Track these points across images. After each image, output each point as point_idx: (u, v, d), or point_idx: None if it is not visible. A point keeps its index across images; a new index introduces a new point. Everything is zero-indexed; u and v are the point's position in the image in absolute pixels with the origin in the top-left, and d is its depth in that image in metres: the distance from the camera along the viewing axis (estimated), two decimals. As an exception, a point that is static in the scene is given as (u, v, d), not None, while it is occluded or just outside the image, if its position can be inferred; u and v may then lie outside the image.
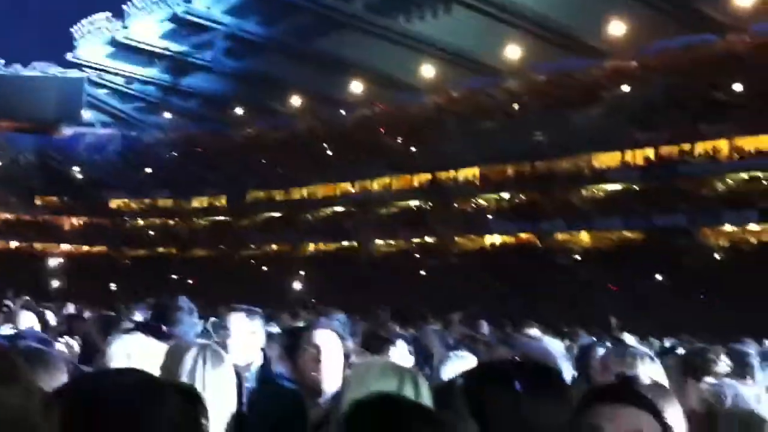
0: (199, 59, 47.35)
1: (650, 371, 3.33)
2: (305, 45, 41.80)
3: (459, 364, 3.98)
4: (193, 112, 52.37)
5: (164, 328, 4.96)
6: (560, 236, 35.89)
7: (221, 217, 50.41)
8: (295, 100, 48.30)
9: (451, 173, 41.01)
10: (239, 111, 50.60)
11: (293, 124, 48.96)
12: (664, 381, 3.27)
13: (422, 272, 35.29)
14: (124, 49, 48.06)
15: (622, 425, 1.71)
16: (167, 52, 47.50)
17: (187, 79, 49.53)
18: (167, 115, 53.48)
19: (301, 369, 3.56)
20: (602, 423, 1.73)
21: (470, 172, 40.26)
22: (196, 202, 52.39)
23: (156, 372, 2.86)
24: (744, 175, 31.74)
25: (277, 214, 47.52)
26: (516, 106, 40.39)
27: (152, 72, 49.68)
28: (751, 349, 5.25)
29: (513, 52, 40.09)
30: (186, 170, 49.28)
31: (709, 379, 3.08)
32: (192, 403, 1.82)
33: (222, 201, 50.95)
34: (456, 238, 38.74)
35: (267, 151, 47.69)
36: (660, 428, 1.73)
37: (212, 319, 5.40)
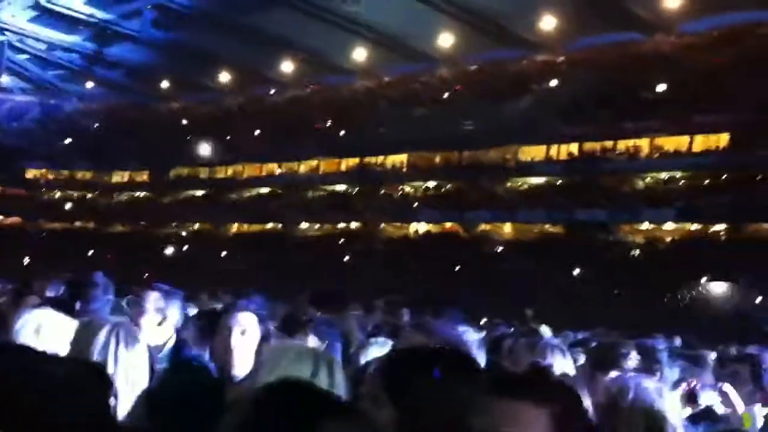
0: (126, 28, 46.01)
1: (560, 363, 3.44)
2: (236, 19, 41.01)
3: (378, 350, 4.00)
4: (117, 83, 50.99)
5: (78, 304, 4.86)
6: (484, 226, 36.25)
7: (142, 193, 49.20)
8: (224, 76, 47.46)
9: (380, 158, 40.90)
10: (166, 84, 49.45)
11: (221, 100, 48.15)
12: (572, 372, 3.41)
13: (346, 257, 35.16)
14: (47, 14, 46.28)
15: (509, 417, 1.73)
16: (92, 19, 45.96)
17: (113, 48, 48.10)
18: (90, 84, 51.91)
19: (215, 350, 3.53)
20: (491, 415, 1.76)
21: (399, 159, 40.25)
22: (117, 176, 51.01)
23: (66, 348, 2.87)
24: (663, 174, 32.58)
25: (200, 192, 46.65)
26: (447, 95, 40.59)
27: (76, 39, 48.05)
28: (661, 344, 5.37)
29: (446, 40, 40.28)
30: (108, 142, 47.89)
31: (615, 373, 3.11)
32: (100, 382, 1.81)
33: (144, 176, 49.73)
34: (382, 225, 38.75)
35: (192, 126, 46.75)
36: (550, 418, 1.72)
37: (128, 296, 5.25)
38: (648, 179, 32.88)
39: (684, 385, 3.56)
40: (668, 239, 31.40)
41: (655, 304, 24.91)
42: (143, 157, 47.23)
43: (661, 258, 29.29)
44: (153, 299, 5.03)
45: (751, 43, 32.92)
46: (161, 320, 4.95)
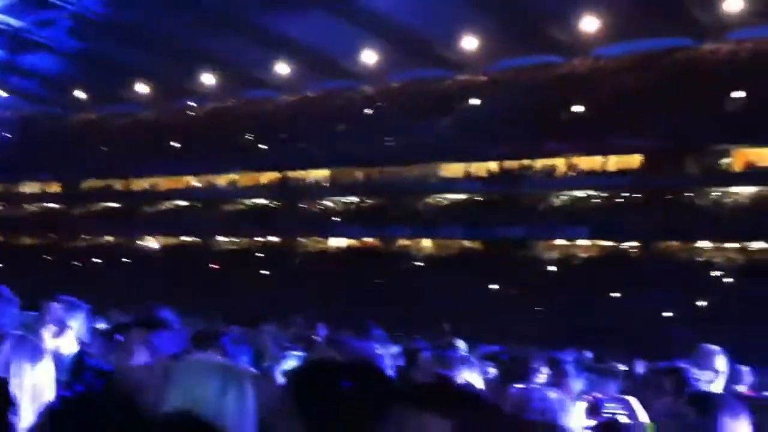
0: (41, 37, 44.68)
1: (467, 375, 3.58)
2: (156, 31, 40.30)
3: (293, 364, 3.96)
4: (31, 92, 49.46)
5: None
6: (404, 242, 36.42)
7: (54, 205, 47.68)
8: (142, 88, 46.59)
9: (301, 173, 40.68)
10: (81, 94, 48.22)
11: (138, 112, 47.22)
12: (480, 384, 3.56)
13: (265, 272, 34.77)
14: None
15: (415, 426, 1.77)
16: (6, 27, 44.48)
17: (27, 57, 46.62)
18: (2, 93, 50.20)
19: (118, 364, 3.54)
20: (398, 425, 1.80)
21: (320, 174, 40.12)
22: (27, 187, 49.34)
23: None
24: (577, 193, 33.37)
25: (114, 205, 45.48)
26: (369, 111, 40.76)
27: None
28: (568, 357, 5.49)
29: (369, 57, 40.53)
30: (18, 152, 46.33)
31: (519, 385, 3.17)
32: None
33: (55, 187, 48.22)
34: (301, 239, 38.51)
35: (108, 137, 45.65)
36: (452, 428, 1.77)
37: (34, 310, 5.11)
38: (564, 197, 33.63)
39: (588, 397, 3.64)
40: (583, 256, 32.15)
41: (569, 318, 25.37)
42: (55, 168, 45.85)
43: (575, 274, 29.93)
44: (53, 311, 4.95)
45: (664, 68, 34.13)
46: (61, 331, 4.83)
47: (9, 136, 48.82)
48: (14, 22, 44.16)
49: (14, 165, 46.61)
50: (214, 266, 37.18)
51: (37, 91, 49.26)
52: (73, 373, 4.05)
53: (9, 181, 48.88)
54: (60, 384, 3.11)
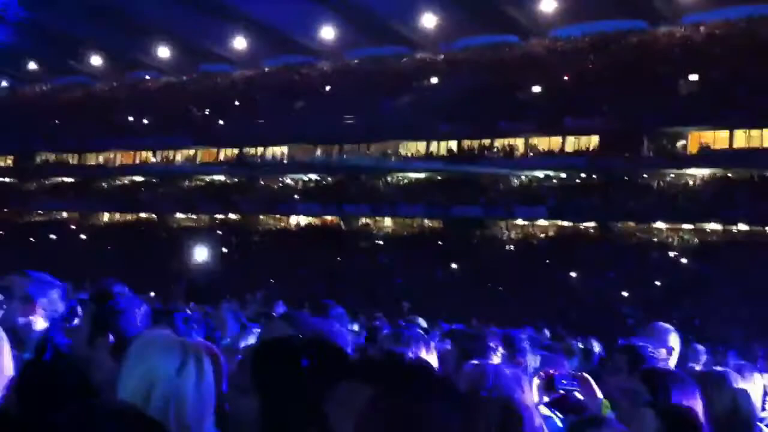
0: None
1: (422, 352, 3.63)
2: (109, 2, 39.43)
3: (250, 340, 3.94)
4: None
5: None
6: (364, 221, 36.38)
7: (6, 179, 46.61)
8: (96, 60, 45.70)
9: (259, 150, 40.30)
10: (33, 66, 47.12)
11: (91, 85, 46.32)
12: (435, 362, 3.64)
13: (223, 249, 34.48)
14: None
15: (350, 400, 1.80)
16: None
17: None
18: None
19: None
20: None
21: (278, 150, 39.78)
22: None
23: None
24: (537, 173, 33.61)
25: (68, 179, 44.62)
26: (327, 88, 40.49)
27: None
28: (523, 334, 5.57)
29: (327, 33, 40.24)
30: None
31: (474, 362, 3.21)
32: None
33: (7, 161, 47.15)
34: (260, 217, 38.25)
35: (61, 111, 44.70)
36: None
37: None
38: (522, 178, 33.85)
39: (542, 374, 3.69)
40: (540, 236, 32.45)
41: (527, 297, 25.66)
42: (7, 142, 44.79)
43: (533, 254, 30.22)
44: (19, 287, 4.83)
45: (620, 50, 34.47)
46: (28, 309, 4.71)
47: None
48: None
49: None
50: None
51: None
52: (38, 351, 4.00)
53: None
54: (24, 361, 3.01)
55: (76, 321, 4.97)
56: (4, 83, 47.74)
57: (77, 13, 41.09)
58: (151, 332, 3.85)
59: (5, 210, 43.19)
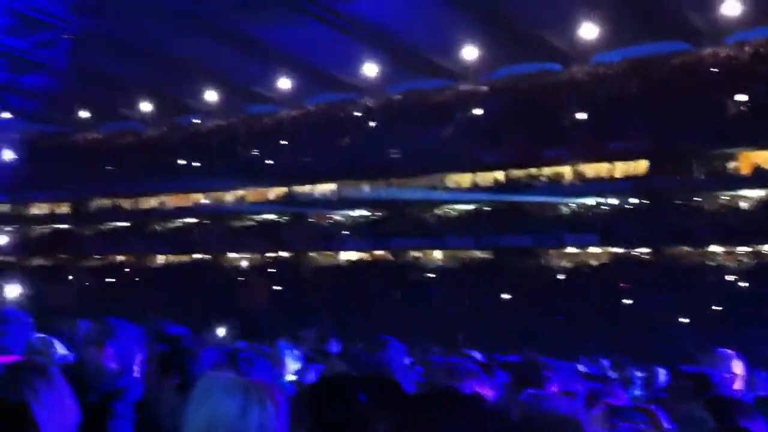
0: (42, 56, 44.88)
1: (479, 385, 3.63)
2: (157, 48, 40.48)
3: (309, 378, 4.03)
4: (34, 113, 49.62)
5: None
6: (414, 253, 36.45)
7: (64, 225, 47.85)
8: (145, 105, 46.78)
9: (307, 187, 40.80)
10: (85, 113, 48.44)
11: (142, 130, 47.41)
12: (491, 394, 3.65)
13: (276, 287, 34.83)
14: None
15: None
16: (6, 49, 44.75)
17: (29, 77, 46.82)
18: (6, 114, 50.42)
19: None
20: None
21: (326, 187, 40.22)
22: (36, 208, 49.55)
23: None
24: (585, 200, 33.36)
25: (123, 224, 45.63)
26: (372, 123, 40.86)
27: (-10, 68, 46.69)
28: (584, 364, 5.49)
29: (370, 69, 40.67)
30: (25, 173, 46.56)
31: (530, 392, 3.22)
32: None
33: (63, 207, 48.41)
34: (310, 253, 38.57)
35: (114, 156, 45.82)
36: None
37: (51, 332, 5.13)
38: (571, 205, 33.62)
39: (600, 404, 3.65)
40: (593, 263, 32.11)
41: (582, 326, 25.40)
42: (63, 188, 46.05)
43: (586, 281, 29.93)
44: (88, 329, 4.97)
45: (664, 73, 34.22)
46: (99, 351, 4.77)
47: (16, 157, 48.99)
48: (14, 43, 44.40)
49: (22, 186, 46.86)
50: None
51: (41, 111, 49.43)
52: (108, 394, 4.10)
53: (18, 202, 49.13)
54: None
55: (141, 362, 5.09)
56: (58, 131, 49.07)
57: (126, 60, 42.20)
58: (214, 373, 3.98)
59: (63, 255, 44.30)
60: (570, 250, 32.77)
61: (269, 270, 37.60)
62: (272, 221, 40.86)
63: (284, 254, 39.11)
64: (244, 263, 40.20)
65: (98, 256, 44.18)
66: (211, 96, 44.68)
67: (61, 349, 5.67)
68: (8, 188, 47.53)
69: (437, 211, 36.59)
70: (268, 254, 39.62)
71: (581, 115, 34.16)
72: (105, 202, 46.93)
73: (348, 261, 38.50)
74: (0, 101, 48.76)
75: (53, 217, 48.70)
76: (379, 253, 37.47)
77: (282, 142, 41.77)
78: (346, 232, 37.77)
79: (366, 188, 39.26)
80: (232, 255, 40.83)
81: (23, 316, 5.00)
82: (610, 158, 32.69)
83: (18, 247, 46.74)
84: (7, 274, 41.65)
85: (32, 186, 46.62)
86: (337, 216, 39.39)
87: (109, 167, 45.35)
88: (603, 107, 33.68)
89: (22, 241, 47.12)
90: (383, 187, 38.49)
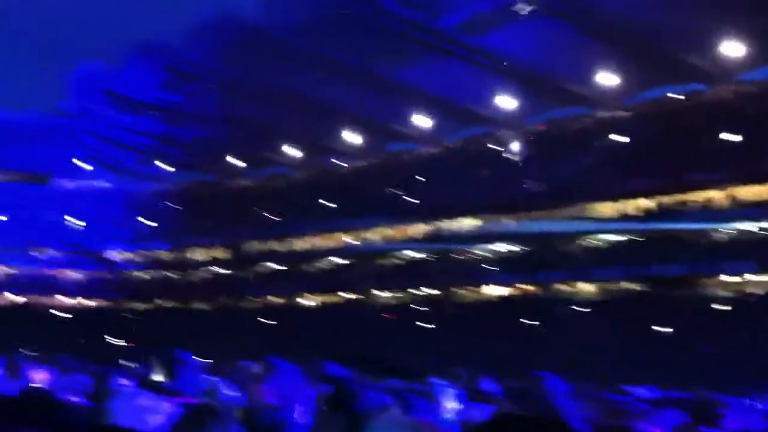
0: (192, 108, 47.58)
1: (645, 425, 3.55)
2: (298, 94, 42.11)
3: (472, 416, 4.11)
4: (186, 162, 52.51)
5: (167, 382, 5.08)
6: (561, 286, 36.10)
7: (223, 270, 50.49)
8: (288, 149, 48.66)
9: (451, 223, 41.21)
10: (236, 161, 50.87)
11: (290, 175, 49.31)
12: None
13: (424, 324, 35.36)
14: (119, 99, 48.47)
15: None
16: (163, 104, 47.82)
17: (183, 128, 49.75)
18: (168, 167, 53.55)
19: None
20: None
21: (470, 222, 40.50)
22: (197, 254, 52.48)
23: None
24: (741, 226, 32.09)
25: (279, 267, 47.53)
26: (510, 156, 40.89)
27: (145, 122, 49.99)
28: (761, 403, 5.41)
29: (505, 102, 40.75)
30: (183, 222, 49.42)
31: (706, 430, 3.27)
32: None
33: (220, 252, 51.04)
34: (456, 290, 38.89)
35: (265, 201, 47.90)
36: None
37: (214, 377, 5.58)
38: (726, 231, 32.39)
39: None
40: (753, 291, 30.81)
41: (744, 358, 24.49)
42: (219, 234, 48.52)
43: (746, 311, 28.80)
44: (251, 370, 5.16)
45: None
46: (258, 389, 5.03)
47: (174, 207, 51.99)
48: (169, 97, 47.32)
49: (181, 234, 49.73)
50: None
51: (192, 160, 52.24)
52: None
53: (177, 249, 52.11)
54: None
55: (303, 400, 5.32)
56: (211, 180, 51.71)
57: (268, 106, 44.11)
58: (382, 411, 4.36)
59: (222, 299, 46.68)
60: (728, 278, 31.54)
61: (417, 307, 38.17)
62: (418, 259, 41.51)
63: (431, 291, 39.61)
64: (392, 301, 40.98)
65: (254, 298, 46.19)
66: (353, 137, 45.99)
67: (226, 390, 6.16)
68: (169, 235, 50.58)
69: (582, 242, 36.13)
70: (414, 291, 40.24)
71: (729, 137, 33.02)
72: (259, 246, 49.00)
73: (494, 296, 38.57)
74: (158, 153, 52.09)
75: (211, 262, 51.30)
76: (526, 287, 37.32)
77: (422, 179, 42.44)
78: (490, 267, 37.88)
79: (508, 221, 39.26)
80: (377, 293, 41.74)
81: (193, 360, 5.36)
82: (761, 179, 31.38)
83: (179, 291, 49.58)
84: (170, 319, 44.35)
85: (190, 233, 49.34)
86: (482, 251, 39.57)
87: (261, 212, 47.40)
88: (752, 127, 32.43)
89: (184, 285, 49.91)
90: (526, 220, 38.39)
